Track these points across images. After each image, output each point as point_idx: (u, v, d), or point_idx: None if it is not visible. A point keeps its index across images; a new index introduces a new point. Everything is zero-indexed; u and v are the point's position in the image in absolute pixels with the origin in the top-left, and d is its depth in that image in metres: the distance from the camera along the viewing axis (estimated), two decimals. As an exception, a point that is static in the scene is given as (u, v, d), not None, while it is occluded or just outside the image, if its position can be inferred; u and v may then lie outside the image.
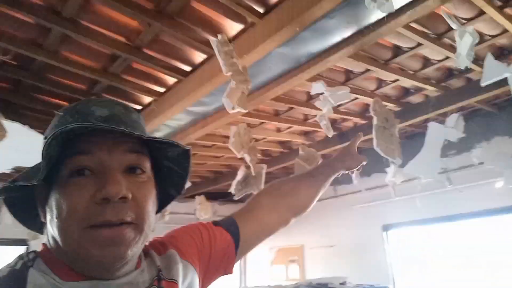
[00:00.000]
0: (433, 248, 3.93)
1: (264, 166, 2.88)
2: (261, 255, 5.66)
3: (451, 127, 2.66)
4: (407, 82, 2.97)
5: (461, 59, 1.64)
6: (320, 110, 3.14)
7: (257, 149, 2.39)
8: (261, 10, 1.85)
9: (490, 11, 1.98)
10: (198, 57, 2.26)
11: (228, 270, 0.86)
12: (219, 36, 1.56)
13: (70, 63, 2.22)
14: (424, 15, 1.90)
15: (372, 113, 2.29)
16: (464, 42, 1.59)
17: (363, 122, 3.57)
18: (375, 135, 2.17)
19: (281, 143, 4.10)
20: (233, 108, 1.53)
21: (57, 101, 2.74)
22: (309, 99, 3.02)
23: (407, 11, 1.61)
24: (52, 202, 0.58)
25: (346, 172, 1.17)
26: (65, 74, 2.39)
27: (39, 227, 0.67)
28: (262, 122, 3.26)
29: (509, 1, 2.03)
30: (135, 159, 0.62)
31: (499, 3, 2.03)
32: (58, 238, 0.58)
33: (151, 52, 2.21)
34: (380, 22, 1.72)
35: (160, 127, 2.82)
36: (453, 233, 3.82)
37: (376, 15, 1.66)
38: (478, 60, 2.61)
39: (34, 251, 0.62)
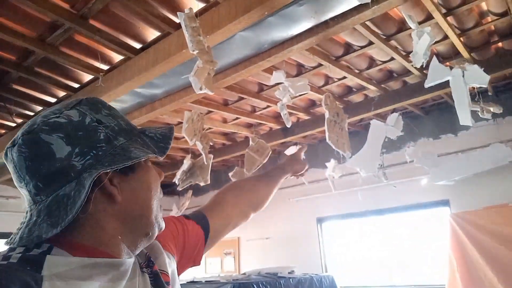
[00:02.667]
0: (363, 240, 4.16)
1: (211, 156, 2.79)
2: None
3: (391, 126, 2.82)
4: (352, 81, 3.09)
5: (417, 57, 1.72)
6: (272, 101, 3.15)
7: (210, 137, 2.30)
8: (226, -10, 1.78)
9: (437, 16, 2.12)
10: (151, 34, 2.11)
11: (197, 262, 0.91)
12: (187, 10, 1.46)
13: (1, 29, 1.93)
14: (379, 15, 1.98)
15: (324, 107, 2.33)
16: (422, 41, 1.67)
17: (307, 117, 3.65)
18: (327, 129, 2.21)
19: (226, 135, 4.03)
20: (200, 89, 1.44)
21: (-24, 71, 2.38)
22: (260, 91, 3.00)
23: (373, 6, 1.65)
24: (138, 182, 0.66)
25: (294, 175, 1.37)
26: (-8, 40, 2.07)
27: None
28: (210, 111, 3.17)
29: (451, 9, 2.20)
30: None
31: (444, 10, 2.19)
32: (132, 214, 0.64)
33: (98, 24, 2.01)
34: (345, 15, 1.75)
35: (100, 109, 2.58)
36: (382, 226, 4.08)
37: (343, 6, 1.68)
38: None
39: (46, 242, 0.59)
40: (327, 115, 2.27)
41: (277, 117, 3.69)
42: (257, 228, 4.96)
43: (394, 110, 3.53)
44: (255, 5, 1.61)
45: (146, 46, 2.16)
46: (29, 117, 2.99)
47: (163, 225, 0.71)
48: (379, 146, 2.82)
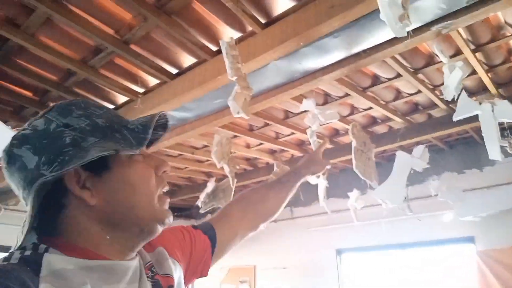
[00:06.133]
0: (384, 274, 4.05)
1: (235, 180, 2.83)
2: (211, 273, 5.48)
3: (417, 158, 2.81)
4: (377, 112, 3.12)
5: (449, 91, 1.75)
6: (296, 128, 3.20)
7: (237, 161, 2.34)
8: (263, 21, 1.86)
9: (466, 52, 2.15)
10: (187, 60, 2.20)
11: (204, 273, 0.91)
12: (228, 39, 1.54)
13: (47, 50, 2.05)
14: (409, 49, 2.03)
15: (350, 137, 2.36)
16: (453, 75, 1.70)
17: (330, 146, 3.67)
18: (354, 158, 2.23)
19: (248, 160, 4.07)
20: (238, 112, 1.50)
21: (20, 90, 2.51)
22: (286, 118, 3.05)
23: (405, 40, 1.70)
24: (116, 181, 0.64)
25: (313, 176, 1.30)
26: (38, 60, 2.20)
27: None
28: (235, 136, 3.23)
29: (480, 46, 2.23)
30: None
31: (473, 47, 2.23)
32: (114, 215, 0.63)
33: (139, 49, 2.11)
34: (377, 48, 1.80)
35: (132, 130, 2.68)
36: (404, 260, 3.98)
37: (376, 39, 1.74)
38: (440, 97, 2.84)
39: (42, 243, 0.60)
40: (354, 144, 2.29)
41: (300, 145, 3.72)
42: (274, 257, 4.91)
43: (418, 143, 3.53)
44: (291, 36, 1.68)
45: (182, 71, 2.25)
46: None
47: (167, 218, 0.68)
48: (404, 178, 2.81)
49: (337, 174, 4.59)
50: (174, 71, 2.26)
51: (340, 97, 2.78)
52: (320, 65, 1.91)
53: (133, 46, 2.08)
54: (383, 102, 2.95)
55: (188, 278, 0.84)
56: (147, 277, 0.67)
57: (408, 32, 1.36)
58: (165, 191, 0.71)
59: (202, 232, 0.91)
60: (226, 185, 2.93)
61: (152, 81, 2.38)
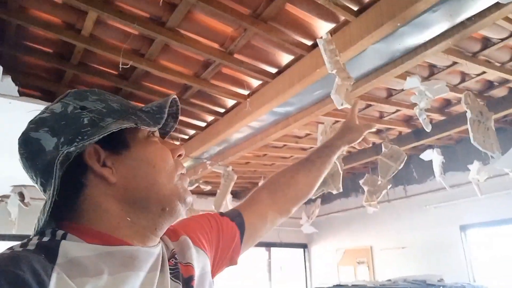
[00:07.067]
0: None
1: (342, 165, 2.88)
2: (327, 256, 5.63)
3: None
4: (493, 75, 2.86)
5: None
6: (402, 105, 3.11)
7: (344, 147, 2.40)
8: (355, 8, 1.89)
9: None
10: (285, 59, 2.33)
11: (233, 261, 0.87)
12: (324, 36, 1.62)
13: (167, 71, 2.38)
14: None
15: (464, 107, 2.23)
16: None
17: (442, 118, 3.47)
18: (470, 129, 2.11)
19: (353, 142, 4.07)
20: (341, 104, 1.57)
21: (147, 107, 2.93)
22: (389, 96, 2.99)
23: (516, 0, 1.57)
24: (135, 158, 0.64)
25: (350, 146, 1.15)
26: (160, 81, 2.56)
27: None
28: (337, 121, 3.27)
29: None
30: None
31: None
32: (135, 192, 0.62)
33: (241, 57, 2.31)
34: (483, 13, 1.69)
35: (242, 129, 2.93)
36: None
37: (481, 5, 1.64)
38: None
39: (60, 229, 0.59)
40: (469, 115, 2.16)
41: (407, 120, 3.60)
42: (392, 237, 4.82)
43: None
44: (387, 19, 1.68)
45: (281, 70, 2.39)
46: (183, 140, 3.53)
47: (188, 198, 0.68)
48: (533, 143, 2.53)
49: (453, 146, 4.30)
50: (274, 70, 2.41)
51: (448, 66, 2.62)
52: (421, 41, 1.87)
53: (236, 55, 2.29)
54: (498, 64, 2.69)
55: (217, 267, 0.83)
56: (169, 266, 0.66)
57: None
58: (183, 172, 0.70)
59: (229, 219, 0.89)
60: (334, 170, 3.00)
61: (255, 82, 2.57)
